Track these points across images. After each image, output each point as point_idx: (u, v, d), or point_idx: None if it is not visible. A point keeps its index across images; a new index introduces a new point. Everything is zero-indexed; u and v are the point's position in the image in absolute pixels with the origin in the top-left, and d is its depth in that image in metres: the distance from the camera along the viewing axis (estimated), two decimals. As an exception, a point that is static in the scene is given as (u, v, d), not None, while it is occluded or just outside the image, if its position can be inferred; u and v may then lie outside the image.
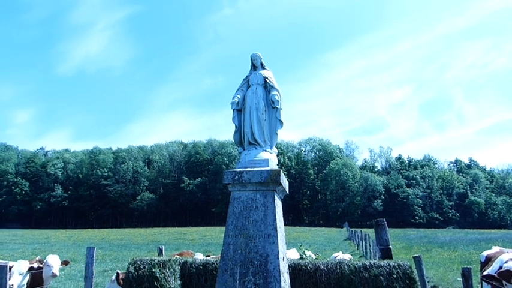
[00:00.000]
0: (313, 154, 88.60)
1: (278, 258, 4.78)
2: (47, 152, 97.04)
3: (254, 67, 6.53)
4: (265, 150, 5.98)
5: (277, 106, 6.14)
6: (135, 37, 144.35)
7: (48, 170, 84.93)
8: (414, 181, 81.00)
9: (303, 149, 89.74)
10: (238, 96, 6.23)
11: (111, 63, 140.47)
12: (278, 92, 6.26)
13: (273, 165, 5.83)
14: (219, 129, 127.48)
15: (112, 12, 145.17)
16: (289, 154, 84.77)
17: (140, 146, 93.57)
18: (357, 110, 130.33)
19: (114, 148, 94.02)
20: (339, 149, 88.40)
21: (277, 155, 6.28)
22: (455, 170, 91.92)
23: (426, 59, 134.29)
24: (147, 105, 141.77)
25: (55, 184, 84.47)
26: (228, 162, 77.41)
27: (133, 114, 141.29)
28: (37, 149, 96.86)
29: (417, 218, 74.56)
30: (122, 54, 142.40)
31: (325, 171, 79.32)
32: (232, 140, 6.71)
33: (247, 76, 6.54)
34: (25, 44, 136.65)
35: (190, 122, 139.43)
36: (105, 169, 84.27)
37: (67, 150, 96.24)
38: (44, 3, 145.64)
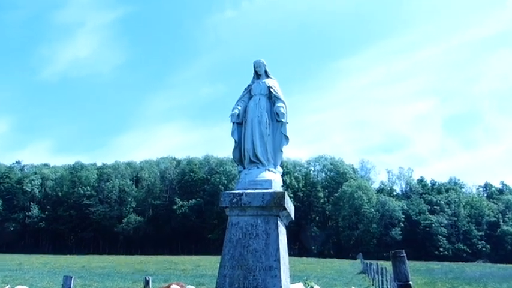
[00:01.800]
0: (323, 174, 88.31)
1: (281, 295, 4.71)
2: (24, 166, 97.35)
3: (257, 75, 6.51)
4: (268, 170, 5.90)
5: (283, 119, 6.05)
6: (128, 40, 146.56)
7: (24, 187, 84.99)
8: (438, 207, 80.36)
9: (312, 168, 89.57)
10: (239, 107, 6.20)
11: (100, 69, 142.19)
12: (284, 104, 6.19)
13: (277, 186, 5.78)
14: (217, 144, 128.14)
15: (102, 12, 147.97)
16: (296, 174, 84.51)
17: (128, 162, 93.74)
18: (373, 124, 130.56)
19: (99, 163, 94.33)
20: (352, 169, 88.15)
21: (282, 175, 6.30)
22: (485, 195, 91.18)
23: (453, 68, 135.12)
24: (137, 116, 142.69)
25: (31, 203, 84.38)
26: (226, 182, 77.26)
27: (121, 125, 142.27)
28: (13, 163, 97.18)
29: (441, 249, 73.67)
30: (112, 59, 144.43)
31: (336, 195, 78.94)
32: (231, 157, 6.82)
33: (249, 85, 6.49)
34: (4, 45, 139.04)
35: (185, 136, 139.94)
36: (87, 187, 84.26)
37: (46, 165, 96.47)
38: (27, 1, 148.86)
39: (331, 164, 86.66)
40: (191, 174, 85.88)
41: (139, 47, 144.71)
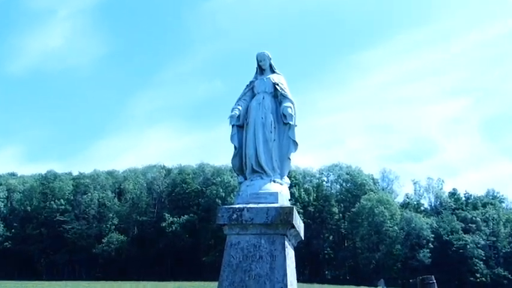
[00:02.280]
0: (338, 186, 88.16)
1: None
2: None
3: (261, 70, 6.54)
4: (274, 181, 5.90)
5: (291, 122, 6.07)
6: (109, 28, 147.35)
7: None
8: (474, 225, 79.91)
9: (325, 179, 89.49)
10: (239, 107, 6.23)
11: (76, 62, 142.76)
12: (292, 104, 6.20)
13: (284, 200, 5.80)
14: (213, 150, 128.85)
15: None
16: (306, 186, 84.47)
17: (109, 171, 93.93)
18: (397, 127, 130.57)
19: (75, 173, 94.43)
20: (372, 179, 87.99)
21: (290, 187, 6.35)
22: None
23: (491, 63, 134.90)
24: (121, 117, 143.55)
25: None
26: (224, 195, 77.21)
27: (101, 128, 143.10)
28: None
29: (478, 275, 73.17)
30: (91, 50, 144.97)
31: (354, 210, 78.73)
32: (230, 165, 7.22)
33: (251, 82, 6.53)
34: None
35: (176, 141, 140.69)
36: (61, 200, 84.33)
37: (13, 175, 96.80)
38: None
39: (347, 174, 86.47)
40: (183, 185, 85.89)
41: (122, 36, 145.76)
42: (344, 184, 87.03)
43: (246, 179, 6.17)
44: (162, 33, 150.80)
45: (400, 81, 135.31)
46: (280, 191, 5.85)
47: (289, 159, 6.27)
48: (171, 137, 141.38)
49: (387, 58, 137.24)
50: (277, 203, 5.63)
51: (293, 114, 6.24)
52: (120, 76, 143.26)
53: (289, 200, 6.27)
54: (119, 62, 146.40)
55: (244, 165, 6.19)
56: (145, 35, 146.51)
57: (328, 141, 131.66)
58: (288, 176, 6.37)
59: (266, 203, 5.60)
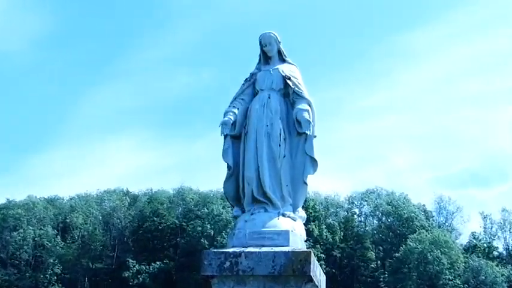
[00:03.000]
0: (375, 221, 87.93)
1: None
2: None
3: (266, 58, 6.56)
4: (284, 214, 5.87)
5: (308, 131, 6.04)
6: (49, 2, 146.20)
7: None
8: None
9: (356, 210, 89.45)
10: (235, 110, 6.25)
11: (5, 47, 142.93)
12: (309, 106, 6.22)
13: (298, 242, 5.72)
14: (198, 170, 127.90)
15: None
16: (330, 220, 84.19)
17: (49, 199, 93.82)
18: (458, 139, 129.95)
19: (1, 200, 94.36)
20: (424, 212, 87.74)
21: (306, 223, 6.33)
22: None
23: None
24: (66, 123, 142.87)
25: None
26: (213, 233, 76.90)
27: (39, 138, 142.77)
28: None
29: None
30: (26, 30, 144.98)
31: (398, 255, 78.45)
32: (221, 191, 7.19)
33: (252, 74, 6.58)
34: None
35: (145, 156, 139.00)
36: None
37: None
38: None
39: (388, 205, 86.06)
40: (154, 219, 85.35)
41: (68, 13, 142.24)
42: (384, 218, 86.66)
43: (244, 211, 6.22)
44: (126, 7, 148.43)
45: (462, 75, 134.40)
46: (292, 229, 5.91)
47: (306, 183, 6.27)
48: (138, 151, 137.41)
49: (443, 42, 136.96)
50: (287, 245, 5.65)
51: (311, 120, 6.26)
52: (67, 66, 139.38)
53: (305, 241, 6.27)
54: (64, 46, 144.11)
55: (242, 192, 6.24)
56: (100, 9, 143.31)
57: (361, 158, 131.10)
58: (303, 207, 6.37)
59: (272, 245, 5.62)
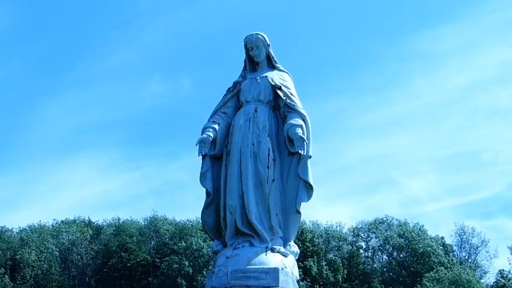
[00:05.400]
0: (385, 257, 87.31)
1: None
2: None
3: (253, 64, 6.34)
4: (272, 249, 5.72)
5: (301, 151, 5.82)
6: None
7: None
8: None
9: (363, 244, 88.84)
10: (216, 126, 5.97)
11: None
12: (304, 121, 5.95)
13: (289, 281, 5.43)
14: (173, 196, 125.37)
15: None
16: (330, 255, 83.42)
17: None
18: (485, 160, 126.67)
19: None
20: (443, 245, 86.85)
21: (300, 259, 5.65)
22: None
23: None
24: (14, 142, 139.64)
25: None
26: (191, 271, 75.77)
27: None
28: None
29: None
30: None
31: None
32: (200, 221, 6.53)
33: (236, 83, 6.27)
34: None
35: (110, 179, 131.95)
36: None
37: None
38: None
39: (400, 237, 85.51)
40: (122, 254, 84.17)
41: (20, 10, 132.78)
42: (395, 254, 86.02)
43: (225, 245, 5.85)
44: (90, 2, 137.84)
45: (492, 80, 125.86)
46: (282, 266, 5.47)
47: (299, 212, 5.76)
48: (102, 175, 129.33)
49: (470, 41, 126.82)
50: (277, 286, 5.19)
51: (305, 137, 5.69)
52: (16, 74, 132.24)
53: (300, 280, 5.55)
54: (13, 49, 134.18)
55: (223, 222, 5.81)
56: (60, 3, 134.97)
57: (368, 183, 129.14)
58: (297, 241, 5.92)
59: (259, 286, 5.11)
